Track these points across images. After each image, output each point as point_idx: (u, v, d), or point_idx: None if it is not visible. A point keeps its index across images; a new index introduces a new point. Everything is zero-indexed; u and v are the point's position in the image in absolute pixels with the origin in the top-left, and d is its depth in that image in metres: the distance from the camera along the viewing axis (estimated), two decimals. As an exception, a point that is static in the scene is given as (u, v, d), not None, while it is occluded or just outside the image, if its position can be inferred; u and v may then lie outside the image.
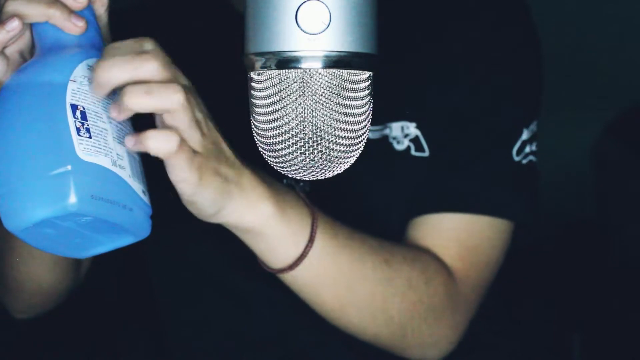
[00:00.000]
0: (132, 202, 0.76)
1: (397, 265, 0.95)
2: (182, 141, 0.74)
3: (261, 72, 0.64)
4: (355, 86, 0.65)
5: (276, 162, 0.66)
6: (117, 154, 0.75)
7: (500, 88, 1.06)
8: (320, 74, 0.63)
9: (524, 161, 1.04)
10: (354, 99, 0.65)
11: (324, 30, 0.62)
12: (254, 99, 0.66)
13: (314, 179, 0.67)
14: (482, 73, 1.06)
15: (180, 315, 1.14)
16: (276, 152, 0.65)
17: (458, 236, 1.01)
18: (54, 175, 0.71)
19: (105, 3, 0.82)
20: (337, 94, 0.64)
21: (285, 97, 0.64)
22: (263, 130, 0.65)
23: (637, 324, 2.06)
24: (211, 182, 0.77)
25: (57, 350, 2.10)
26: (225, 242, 0.89)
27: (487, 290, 1.03)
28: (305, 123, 0.64)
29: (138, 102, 0.72)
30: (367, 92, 0.66)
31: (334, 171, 0.67)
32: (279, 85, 0.64)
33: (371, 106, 0.67)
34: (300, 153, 0.65)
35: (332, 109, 0.64)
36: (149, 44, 0.73)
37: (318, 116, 0.64)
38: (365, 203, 1.05)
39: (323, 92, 0.64)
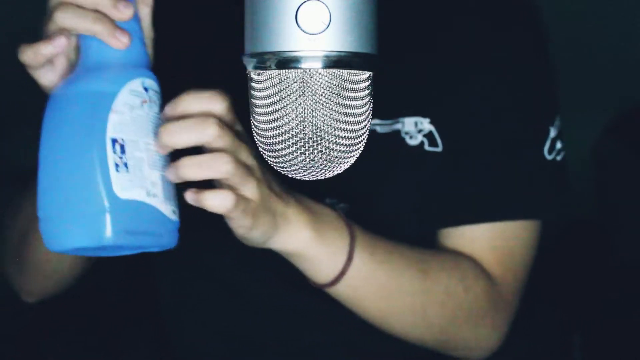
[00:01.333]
0: (162, 227, 0.82)
1: (435, 275, 1.00)
2: (238, 195, 0.81)
3: (261, 72, 0.64)
4: (355, 86, 0.65)
5: (276, 162, 0.66)
6: (151, 183, 0.81)
7: (524, 88, 1.06)
8: (320, 74, 0.63)
9: (558, 158, 1.05)
10: (354, 99, 0.65)
11: (324, 30, 0.62)
12: (254, 99, 0.66)
13: (314, 179, 0.67)
14: (503, 73, 1.06)
15: (183, 315, 1.14)
16: (276, 152, 0.65)
17: (495, 244, 1.04)
18: (93, 210, 0.77)
19: (149, 8, 0.85)
20: (337, 94, 0.64)
21: (285, 97, 0.64)
22: (263, 130, 0.65)
23: (637, 324, 2.06)
24: (264, 222, 0.85)
25: (59, 350, 2.10)
26: (231, 244, 0.91)
27: (524, 289, 1.07)
28: (305, 123, 0.64)
29: (191, 172, 0.80)
30: (367, 92, 0.66)
31: (334, 171, 0.67)
32: (279, 85, 0.64)
33: (371, 106, 0.67)
34: (300, 153, 0.65)
35: (332, 109, 0.64)
36: (217, 104, 0.79)
37: (318, 116, 0.64)
38: (376, 196, 1.05)
39: (323, 92, 0.64)
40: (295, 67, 0.63)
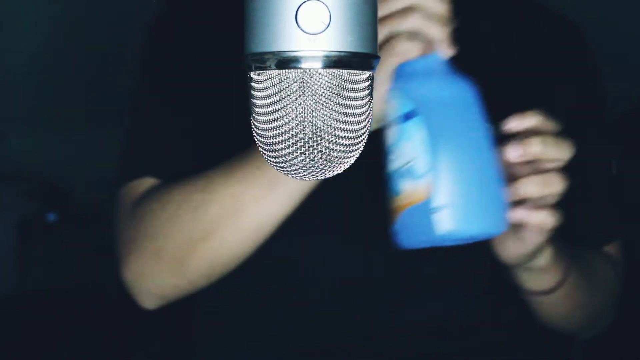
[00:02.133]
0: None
1: (601, 271, 1.13)
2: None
3: (261, 72, 0.64)
4: (355, 86, 0.65)
5: (276, 162, 0.66)
6: None
7: (595, 111, 1.13)
8: (320, 74, 0.63)
9: (618, 172, 1.15)
10: (354, 99, 0.65)
11: (324, 30, 0.62)
12: (253, 99, 0.66)
13: (314, 179, 0.67)
14: (581, 88, 1.11)
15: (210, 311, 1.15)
16: (276, 152, 0.65)
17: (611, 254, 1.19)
18: (498, 203, 0.89)
19: None
20: (337, 94, 0.64)
21: (285, 97, 0.64)
22: (263, 130, 0.65)
23: (637, 324, 2.05)
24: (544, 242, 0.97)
25: (62, 350, 2.10)
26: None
27: None
28: (305, 123, 0.64)
29: (531, 190, 0.91)
30: (367, 92, 0.66)
31: (334, 171, 0.67)
32: (278, 85, 0.64)
33: (371, 106, 0.67)
34: (300, 153, 0.65)
35: (332, 109, 0.64)
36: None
37: (318, 116, 0.64)
38: None
39: (323, 92, 0.64)
40: (295, 67, 0.63)
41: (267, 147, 0.66)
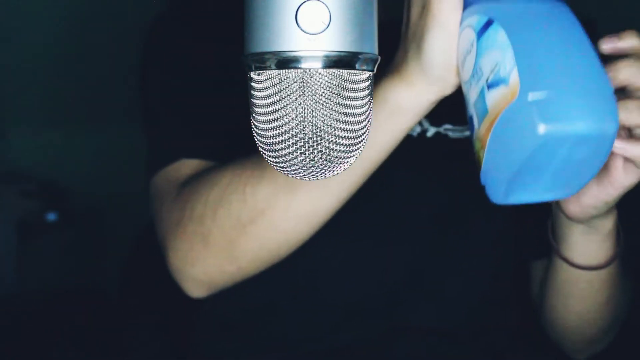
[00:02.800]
0: None
1: (624, 274, 1.08)
2: None
3: (261, 72, 0.64)
4: (355, 86, 0.65)
5: (276, 162, 0.66)
6: None
7: None
8: (320, 74, 0.63)
9: None
10: (354, 99, 0.65)
11: (324, 30, 0.62)
12: (254, 99, 0.66)
13: (314, 179, 0.67)
14: None
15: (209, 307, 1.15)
16: (276, 152, 0.65)
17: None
18: (604, 95, 0.74)
19: None
20: (337, 94, 0.64)
21: (285, 97, 0.64)
22: (263, 130, 0.65)
23: (637, 324, 2.05)
24: None
25: (62, 350, 2.10)
26: None
27: None
28: (305, 123, 0.64)
29: (632, 74, 0.82)
30: (367, 92, 0.66)
31: (334, 171, 0.67)
32: (278, 85, 0.64)
33: (371, 106, 0.67)
34: (300, 153, 0.65)
35: (332, 109, 0.64)
36: None
37: (318, 116, 0.64)
38: (445, 200, 1.06)
39: (323, 92, 0.64)
40: (295, 67, 0.63)
41: (267, 147, 0.66)
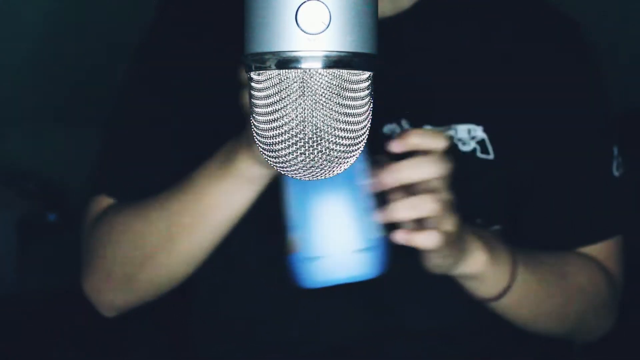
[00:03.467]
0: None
1: (572, 277, 1.09)
2: (441, 232, 0.91)
3: (261, 72, 0.64)
4: (355, 86, 0.65)
5: (276, 162, 0.66)
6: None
7: (592, 106, 1.11)
8: (320, 74, 0.63)
9: (621, 174, 1.11)
10: (354, 99, 0.65)
11: (324, 30, 0.62)
12: (253, 99, 0.66)
13: (314, 179, 0.67)
14: (569, 91, 1.09)
15: (213, 313, 1.15)
16: (276, 152, 0.65)
17: (601, 257, 1.14)
18: (360, 250, 0.91)
19: None
20: (337, 94, 0.64)
21: (285, 97, 0.64)
22: (263, 130, 0.65)
23: (637, 324, 2.05)
24: (457, 250, 0.95)
25: (62, 350, 2.10)
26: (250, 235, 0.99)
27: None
28: (305, 123, 0.64)
29: (402, 214, 0.90)
30: (367, 92, 0.66)
31: (334, 171, 0.67)
32: (278, 86, 0.64)
33: (371, 106, 0.67)
34: (300, 153, 0.65)
35: (332, 109, 0.64)
36: (436, 171, 0.91)
37: (318, 116, 0.64)
38: None
39: (323, 92, 0.64)
40: (295, 67, 0.63)
41: (267, 147, 0.66)
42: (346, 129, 0.65)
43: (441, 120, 1.06)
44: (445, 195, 0.92)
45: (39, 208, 2.55)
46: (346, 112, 0.65)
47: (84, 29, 2.39)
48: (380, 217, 0.92)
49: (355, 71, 0.64)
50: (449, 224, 0.92)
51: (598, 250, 1.13)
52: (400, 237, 0.91)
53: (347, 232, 0.91)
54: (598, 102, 1.12)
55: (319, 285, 0.93)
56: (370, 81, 0.66)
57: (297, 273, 0.93)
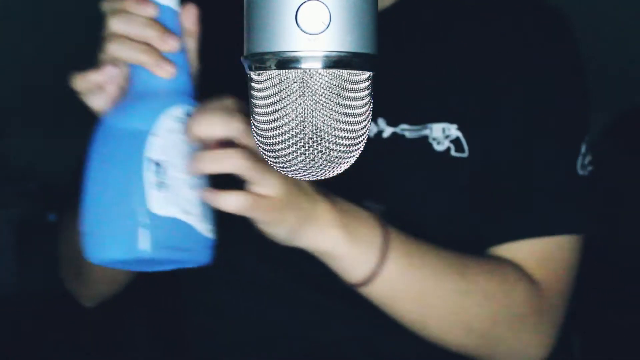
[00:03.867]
0: (197, 244, 0.88)
1: (473, 278, 1.00)
2: (256, 194, 0.86)
3: (261, 72, 0.64)
4: (355, 86, 0.65)
5: (276, 163, 0.66)
6: (188, 201, 0.86)
7: (560, 102, 1.08)
8: (320, 74, 0.63)
9: (586, 173, 1.07)
10: (354, 99, 0.65)
11: (324, 30, 0.62)
12: (253, 99, 0.66)
13: (314, 179, 0.67)
14: (538, 85, 1.07)
15: (203, 310, 1.16)
16: (276, 152, 0.65)
17: (537, 257, 1.05)
18: (130, 225, 0.83)
19: (195, 41, 0.93)
20: (337, 94, 0.64)
21: (285, 97, 0.64)
22: (263, 130, 0.65)
23: (637, 325, 2.06)
24: (288, 217, 0.88)
25: (62, 350, 2.10)
26: (255, 239, 0.95)
27: (571, 295, 1.08)
28: (305, 123, 0.64)
29: (208, 166, 0.85)
30: (367, 92, 0.66)
31: (334, 171, 0.67)
32: (278, 86, 0.64)
33: (371, 106, 0.67)
34: (300, 153, 0.65)
35: (332, 109, 0.64)
36: (235, 125, 0.86)
37: (318, 116, 0.64)
38: (402, 201, 1.05)
39: (323, 92, 0.64)
40: (295, 67, 0.63)
41: (267, 147, 0.66)
42: (346, 129, 0.65)
43: (417, 119, 1.06)
44: (259, 156, 0.86)
45: (39, 208, 2.55)
46: (346, 112, 0.65)
47: (86, 30, 2.39)
48: (191, 168, 0.86)
49: (355, 71, 0.64)
50: (271, 186, 0.87)
51: (528, 252, 1.05)
52: (206, 196, 0.86)
53: (121, 208, 0.84)
54: (568, 97, 1.10)
55: (102, 263, 0.86)
56: (370, 81, 0.66)
57: (85, 248, 0.87)
